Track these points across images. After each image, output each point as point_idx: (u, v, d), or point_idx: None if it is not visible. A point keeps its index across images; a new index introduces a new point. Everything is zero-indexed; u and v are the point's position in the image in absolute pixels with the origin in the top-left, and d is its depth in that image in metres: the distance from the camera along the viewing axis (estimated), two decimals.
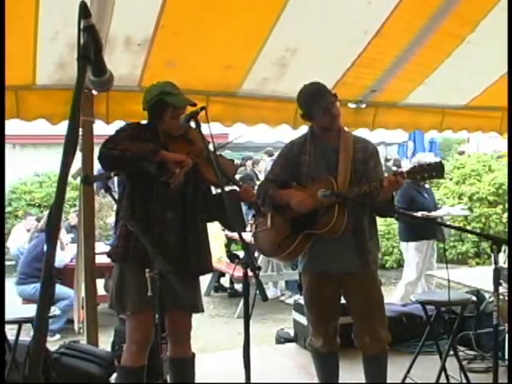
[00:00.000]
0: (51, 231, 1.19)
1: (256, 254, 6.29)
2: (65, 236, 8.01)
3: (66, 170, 1.22)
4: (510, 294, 3.75)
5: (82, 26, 1.42)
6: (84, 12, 1.42)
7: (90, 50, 1.40)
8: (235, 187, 3.37)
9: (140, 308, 3.26)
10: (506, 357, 4.87)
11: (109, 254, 3.48)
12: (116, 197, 3.29)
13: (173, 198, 3.37)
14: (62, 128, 1.79)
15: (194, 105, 3.31)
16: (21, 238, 9.58)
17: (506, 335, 4.87)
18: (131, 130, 3.38)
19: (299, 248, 3.57)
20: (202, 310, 3.59)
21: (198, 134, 3.02)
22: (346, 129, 3.82)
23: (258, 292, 2.42)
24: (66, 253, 7.20)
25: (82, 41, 1.41)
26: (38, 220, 8.79)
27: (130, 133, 3.33)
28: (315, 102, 3.52)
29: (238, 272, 3.18)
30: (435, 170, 3.28)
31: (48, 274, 1.13)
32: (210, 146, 3.02)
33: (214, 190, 3.63)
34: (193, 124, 3.06)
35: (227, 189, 3.25)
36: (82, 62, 1.36)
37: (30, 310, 4.04)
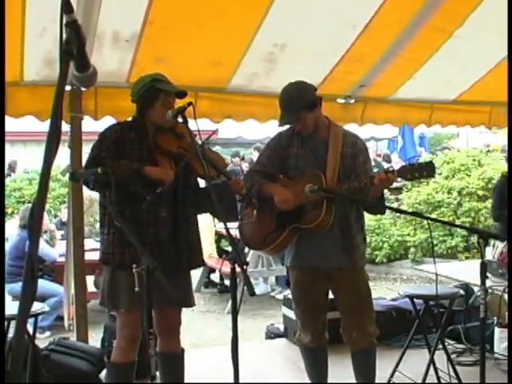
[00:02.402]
0: (33, 227, 1.18)
1: (246, 250, 6.29)
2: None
3: (48, 166, 1.21)
4: (510, 294, 3.78)
5: (64, 21, 1.41)
6: (66, 7, 1.41)
7: (73, 45, 1.39)
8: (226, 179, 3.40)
9: (134, 306, 3.24)
10: (495, 350, 4.92)
11: (104, 261, 3.43)
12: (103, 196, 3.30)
13: (165, 195, 3.36)
14: None
15: (185, 94, 3.34)
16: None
17: (495, 328, 4.91)
18: (115, 134, 3.36)
19: (285, 242, 3.57)
20: (194, 304, 3.60)
21: (186, 128, 3.03)
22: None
23: (245, 287, 2.43)
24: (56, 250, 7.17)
25: (64, 36, 1.40)
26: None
27: (114, 139, 3.32)
28: (282, 112, 3.58)
29: (227, 267, 3.18)
30: (426, 170, 3.28)
31: (30, 270, 1.12)
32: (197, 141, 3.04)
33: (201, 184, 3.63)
34: (180, 119, 3.08)
35: (219, 181, 3.29)
36: (65, 58, 1.35)
37: None
